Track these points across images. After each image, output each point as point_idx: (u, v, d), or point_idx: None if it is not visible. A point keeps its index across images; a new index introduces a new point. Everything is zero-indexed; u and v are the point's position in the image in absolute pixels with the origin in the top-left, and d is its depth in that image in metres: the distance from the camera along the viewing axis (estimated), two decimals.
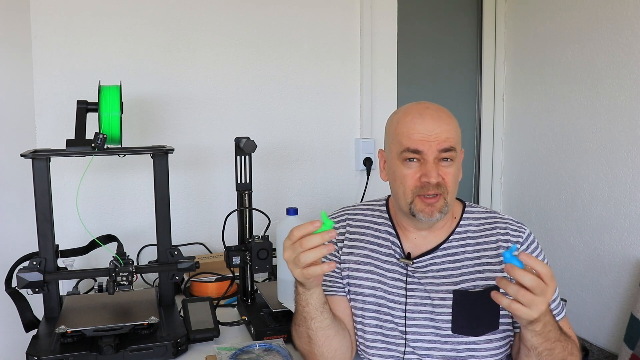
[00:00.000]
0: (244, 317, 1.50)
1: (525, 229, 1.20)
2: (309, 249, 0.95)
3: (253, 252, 1.50)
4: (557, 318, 1.15)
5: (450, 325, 1.14)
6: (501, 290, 0.93)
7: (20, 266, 1.39)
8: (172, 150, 1.46)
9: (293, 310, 1.40)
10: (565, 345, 1.05)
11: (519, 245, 1.18)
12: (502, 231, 1.19)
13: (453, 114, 1.17)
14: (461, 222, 1.22)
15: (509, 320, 1.16)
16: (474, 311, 1.09)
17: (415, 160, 1.12)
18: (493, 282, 1.13)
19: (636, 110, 1.89)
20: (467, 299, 1.12)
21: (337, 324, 1.15)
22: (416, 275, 1.18)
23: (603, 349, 2.05)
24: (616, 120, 1.97)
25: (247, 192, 1.58)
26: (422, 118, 1.12)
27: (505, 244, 1.17)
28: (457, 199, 1.25)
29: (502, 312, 1.12)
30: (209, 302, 1.48)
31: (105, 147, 1.36)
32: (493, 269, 1.16)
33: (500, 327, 1.14)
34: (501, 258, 1.15)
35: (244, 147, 1.53)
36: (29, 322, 1.42)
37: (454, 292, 1.14)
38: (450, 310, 1.14)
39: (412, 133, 1.11)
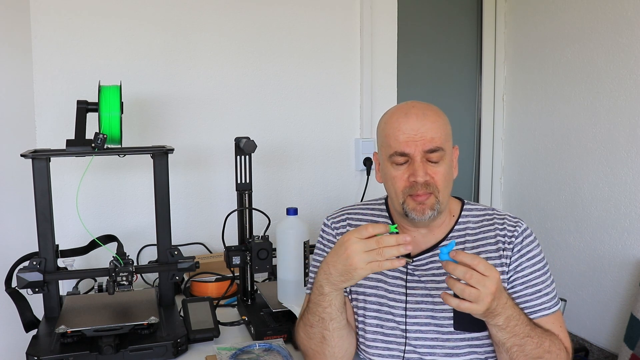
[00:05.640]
0: (244, 317, 1.50)
1: (522, 224, 1.20)
2: (386, 247, 0.97)
3: (253, 252, 1.50)
4: (548, 312, 1.14)
5: (452, 322, 1.14)
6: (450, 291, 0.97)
7: (20, 266, 1.39)
8: (172, 150, 1.46)
9: (293, 310, 1.40)
10: (539, 341, 1.05)
11: (514, 241, 1.17)
12: (500, 226, 1.19)
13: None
14: (460, 220, 1.22)
15: None
16: None
17: (403, 162, 1.12)
18: None
19: (636, 110, 1.89)
20: None
21: (348, 324, 1.17)
22: (416, 273, 1.18)
23: (603, 349, 2.05)
24: (616, 120, 1.97)
25: (247, 192, 1.58)
26: (407, 118, 1.12)
27: (503, 239, 1.17)
28: (456, 197, 1.25)
29: None
30: (209, 302, 1.48)
31: (105, 147, 1.37)
32: (493, 263, 1.16)
33: None
34: (501, 253, 1.16)
35: (244, 147, 1.53)
36: (29, 322, 1.42)
37: None
38: (451, 307, 1.14)
39: (398, 134, 1.11)
